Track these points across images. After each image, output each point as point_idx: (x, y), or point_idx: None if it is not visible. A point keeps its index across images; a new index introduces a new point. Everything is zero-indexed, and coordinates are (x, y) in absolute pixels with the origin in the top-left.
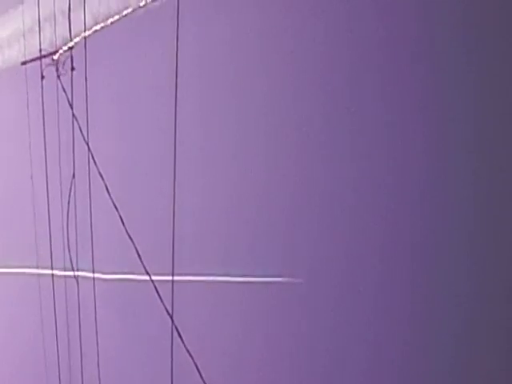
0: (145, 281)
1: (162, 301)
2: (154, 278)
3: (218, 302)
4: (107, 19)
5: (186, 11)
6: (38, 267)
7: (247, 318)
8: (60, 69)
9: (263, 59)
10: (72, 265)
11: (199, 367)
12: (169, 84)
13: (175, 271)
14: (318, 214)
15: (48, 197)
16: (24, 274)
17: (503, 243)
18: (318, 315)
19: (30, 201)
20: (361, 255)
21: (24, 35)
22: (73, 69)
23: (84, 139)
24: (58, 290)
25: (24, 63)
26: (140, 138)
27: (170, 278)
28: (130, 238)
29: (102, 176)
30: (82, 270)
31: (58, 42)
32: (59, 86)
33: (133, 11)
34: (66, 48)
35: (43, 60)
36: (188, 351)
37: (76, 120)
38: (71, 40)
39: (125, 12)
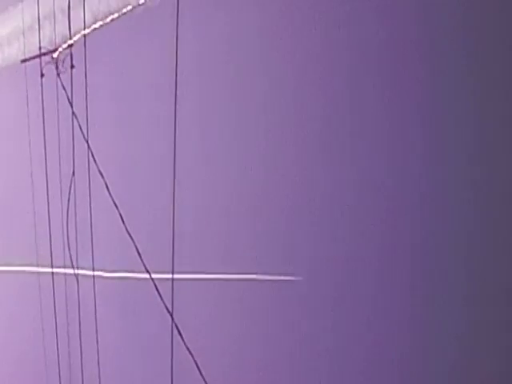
0: (145, 279)
1: (161, 299)
2: (153, 276)
3: (218, 299)
4: (107, 17)
5: (186, 9)
6: (38, 265)
7: (247, 315)
8: (60, 67)
9: (262, 57)
10: (72, 263)
11: (199, 365)
12: (168, 82)
13: (175, 269)
14: (317, 212)
15: (48, 195)
16: (24, 272)
17: (503, 244)
18: (317, 313)
19: (30, 199)
20: (360, 253)
21: (24, 33)
22: (72, 67)
23: (84, 137)
24: (58, 289)
25: (24, 61)
26: (140, 135)
27: (169, 276)
28: (130, 235)
29: (101, 174)
30: (82, 268)
31: (57, 40)
32: (59, 83)
33: (132, 9)
34: (65, 46)
35: (43, 58)
36: (188, 349)
37: (76, 118)
38: (71, 38)
39: (124, 10)
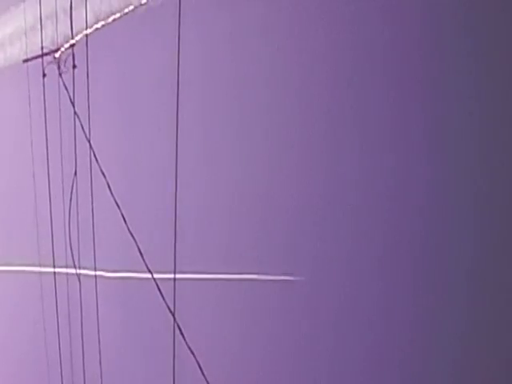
0: (147, 279)
1: (163, 299)
2: (155, 275)
3: (220, 299)
4: (109, 17)
5: (188, 9)
6: (40, 265)
7: (249, 315)
8: (62, 67)
9: (265, 57)
10: (74, 263)
11: (201, 364)
12: (170, 81)
13: (177, 269)
14: (319, 212)
15: (50, 195)
16: (26, 272)
17: (506, 245)
18: (319, 313)
19: (32, 199)
20: (362, 254)
21: (26, 33)
22: (74, 66)
23: (86, 137)
24: (60, 288)
25: (26, 61)
26: (142, 135)
27: (171, 275)
28: (132, 235)
29: (103, 174)
30: (84, 268)
31: (59, 40)
32: (61, 83)
33: (134, 9)
34: (67, 46)
35: (45, 58)
36: (190, 349)
37: (78, 118)
38: (73, 38)
39: (126, 10)
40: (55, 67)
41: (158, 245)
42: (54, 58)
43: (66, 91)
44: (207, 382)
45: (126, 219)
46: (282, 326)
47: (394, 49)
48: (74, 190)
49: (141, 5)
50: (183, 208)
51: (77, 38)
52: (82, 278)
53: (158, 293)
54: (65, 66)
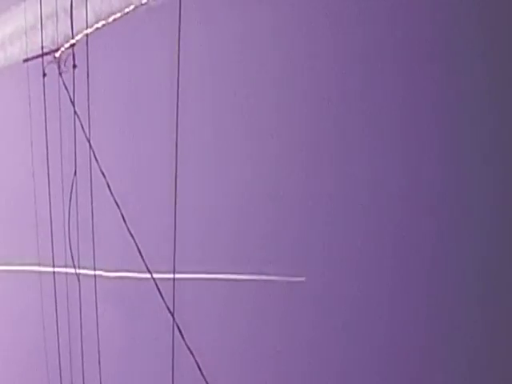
0: (146, 278)
1: (163, 298)
2: (155, 275)
3: (219, 299)
4: (109, 17)
5: (188, 9)
6: (39, 265)
7: (248, 315)
8: (62, 66)
9: (266, 56)
10: (73, 262)
11: (200, 364)
12: (171, 81)
13: (176, 269)
14: (328, 212)
15: (50, 194)
16: (25, 271)
17: None
18: (326, 314)
19: (32, 198)
20: (371, 254)
21: (26, 32)
22: (75, 66)
23: (86, 137)
24: (60, 288)
25: (26, 60)
26: (142, 135)
27: (171, 275)
28: (132, 235)
29: (103, 173)
30: (84, 268)
31: (59, 40)
32: (61, 83)
33: (135, 9)
34: (67, 45)
35: (45, 57)
36: (189, 349)
37: (78, 117)
38: (73, 37)
39: (127, 10)
40: (55, 67)
41: (158, 245)
42: (55, 57)
43: (66, 91)
44: (206, 381)
45: (126, 219)
46: (283, 327)
47: (405, 50)
48: (74, 190)
49: (141, 4)
50: (183, 208)
51: (77, 37)
52: (81, 277)
53: (158, 293)
54: (65, 65)
